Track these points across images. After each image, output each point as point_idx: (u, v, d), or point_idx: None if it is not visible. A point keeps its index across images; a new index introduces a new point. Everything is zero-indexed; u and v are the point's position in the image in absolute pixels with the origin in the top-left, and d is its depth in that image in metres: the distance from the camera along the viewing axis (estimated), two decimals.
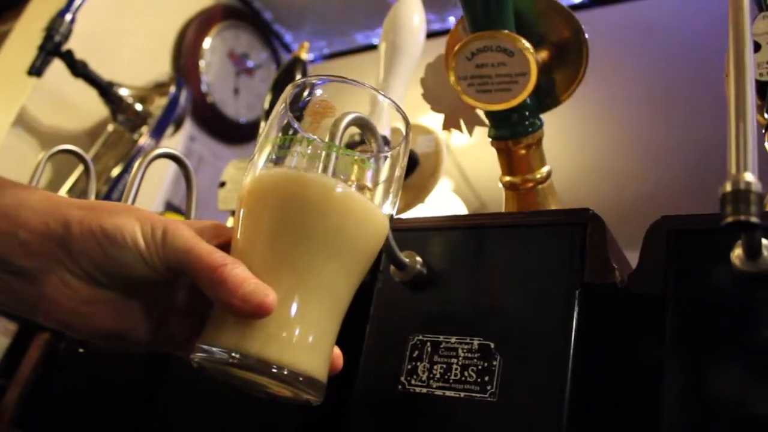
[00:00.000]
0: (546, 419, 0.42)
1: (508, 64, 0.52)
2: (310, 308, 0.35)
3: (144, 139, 1.27)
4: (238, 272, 0.34)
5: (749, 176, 0.29)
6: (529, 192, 0.58)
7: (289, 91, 0.39)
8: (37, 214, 0.34)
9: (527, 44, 0.52)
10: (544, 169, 0.58)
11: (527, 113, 0.56)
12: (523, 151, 0.57)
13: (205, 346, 0.34)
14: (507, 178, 0.59)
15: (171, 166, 1.44)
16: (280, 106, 0.39)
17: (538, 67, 0.52)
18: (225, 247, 0.37)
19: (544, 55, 0.56)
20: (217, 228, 0.39)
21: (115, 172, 1.27)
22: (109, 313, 0.35)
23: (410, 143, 0.84)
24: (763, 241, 0.38)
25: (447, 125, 0.66)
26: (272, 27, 1.75)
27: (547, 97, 0.58)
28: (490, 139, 0.58)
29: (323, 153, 0.36)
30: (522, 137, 0.56)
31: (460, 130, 0.65)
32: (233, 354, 0.33)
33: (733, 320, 0.40)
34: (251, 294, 0.33)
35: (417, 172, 0.84)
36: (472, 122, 0.64)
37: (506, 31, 0.52)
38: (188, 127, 1.54)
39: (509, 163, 0.58)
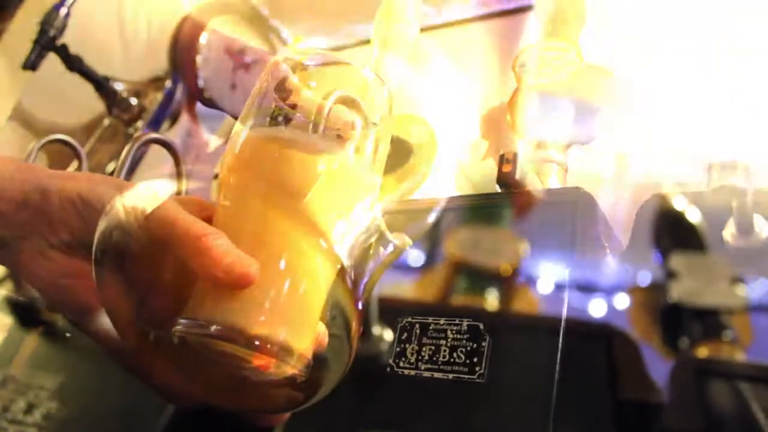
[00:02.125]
0: (535, 400, 0.41)
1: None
2: (294, 282, 0.34)
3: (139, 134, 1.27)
4: (222, 242, 0.33)
5: None
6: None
7: (274, 65, 0.39)
8: (13, 182, 0.33)
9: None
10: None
11: None
12: None
13: (186, 319, 0.34)
14: None
15: (168, 166, 1.43)
16: (264, 80, 0.38)
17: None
18: (207, 222, 0.36)
19: None
20: (200, 204, 0.38)
21: (110, 167, 1.26)
22: (89, 288, 0.35)
23: (402, 132, 0.84)
24: (755, 216, 0.38)
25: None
26: (270, 22, 1.74)
27: None
28: None
29: (309, 127, 0.36)
30: None
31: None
32: (215, 326, 0.32)
33: None
34: (234, 264, 0.32)
35: (410, 162, 0.84)
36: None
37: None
38: (185, 121, 1.53)
39: None
